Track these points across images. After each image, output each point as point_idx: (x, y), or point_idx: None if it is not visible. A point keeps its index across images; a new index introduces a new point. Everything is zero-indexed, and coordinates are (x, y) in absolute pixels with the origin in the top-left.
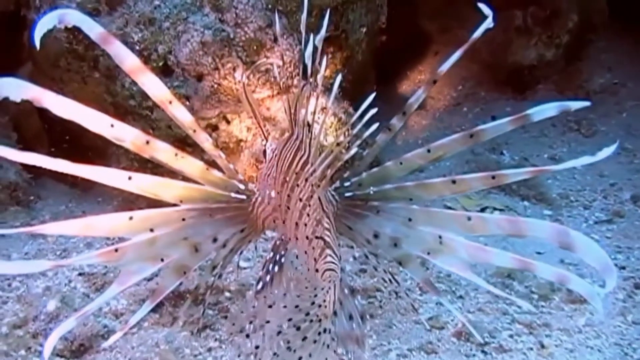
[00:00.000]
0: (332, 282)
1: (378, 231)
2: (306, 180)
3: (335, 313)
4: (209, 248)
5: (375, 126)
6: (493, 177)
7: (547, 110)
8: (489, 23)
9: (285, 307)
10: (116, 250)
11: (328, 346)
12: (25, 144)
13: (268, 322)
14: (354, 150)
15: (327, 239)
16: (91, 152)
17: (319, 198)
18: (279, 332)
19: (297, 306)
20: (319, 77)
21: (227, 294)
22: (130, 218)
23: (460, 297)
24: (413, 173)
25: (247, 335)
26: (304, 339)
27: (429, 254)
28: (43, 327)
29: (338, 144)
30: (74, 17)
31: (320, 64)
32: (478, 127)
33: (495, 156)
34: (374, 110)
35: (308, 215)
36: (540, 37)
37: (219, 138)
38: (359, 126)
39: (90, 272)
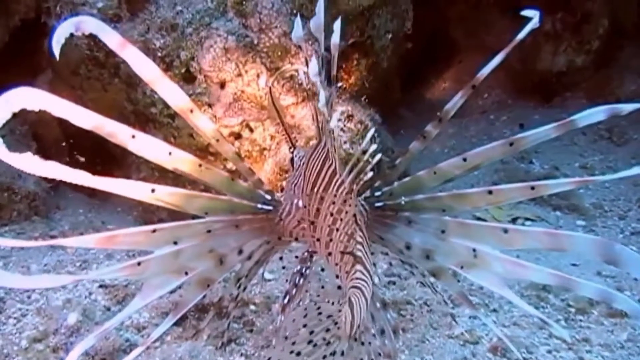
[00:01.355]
0: (355, 302)
1: (409, 242)
2: (336, 191)
3: (355, 339)
4: (234, 260)
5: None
6: (532, 188)
7: (595, 114)
8: (535, 23)
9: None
10: (139, 263)
11: None
12: (44, 153)
13: (286, 337)
14: (377, 157)
15: (359, 253)
16: (111, 162)
17: (350, 210)
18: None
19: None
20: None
21: (252, 307)
22: (154, 231)
23: (494, 310)
24: (446, 183)
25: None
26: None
27: (462, 267)
28: (64, 341)
29: (364, 152)
30: (91, 25)
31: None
32: (519, 135)
33: (524, 165)
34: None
35: (338, 230)
36: (570, 43)
37: (242, 146)
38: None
39: (112, 284)
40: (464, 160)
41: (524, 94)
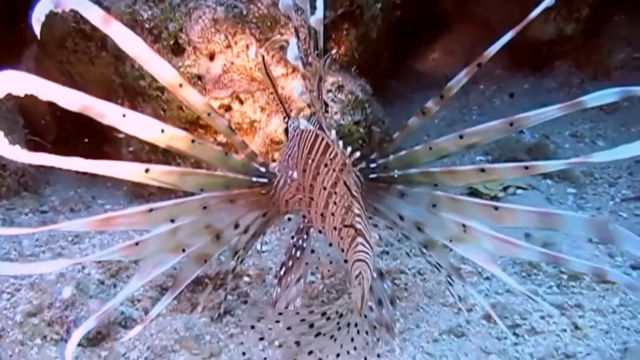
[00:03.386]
0: (362, 275)
1: (402, 214)
2: (330, 163)
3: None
4: (230, 234)
5: None
6: (526, 168)
7: (606, 96)
8: (550, 2)
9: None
10: (137, 243)
11: (352, 339)
12: (32, 128)
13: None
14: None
15: (359, 226)
16: (100, 135)
17: (346, 182)
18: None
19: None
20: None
21: (247, 279)
22: (150, 210)
23: (487, 278)
24: (441, 159)
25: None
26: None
27: (451, 241)
28: (58, 315)
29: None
30: (70, 1)
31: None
32: (520, 115)
33: (514, 134)
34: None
35: (335, 203)
36: (559, 11)
37: (232, 119)
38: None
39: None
40: (461, 137)
41: (514, 63)
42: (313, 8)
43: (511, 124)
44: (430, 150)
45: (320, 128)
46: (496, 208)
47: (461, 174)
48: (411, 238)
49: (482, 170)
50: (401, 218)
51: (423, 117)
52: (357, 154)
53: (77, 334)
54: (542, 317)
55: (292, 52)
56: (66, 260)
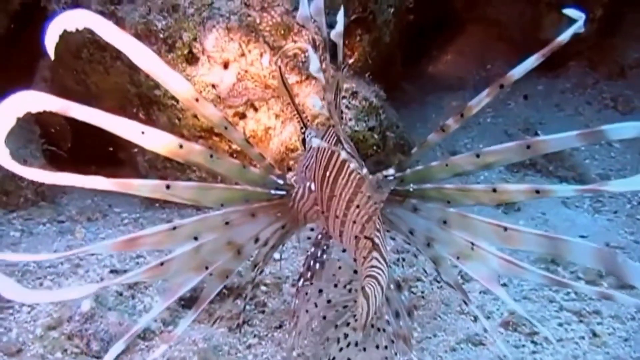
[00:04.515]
0: (370, 293)
1: (413, 228)
2: (348, 175)
3: (372, 325)
4: (251, 249)
5: None
6: (537, 192)
7: (628, 129)
8: (578, 27)
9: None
10: (162, 264)
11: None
12: (48, 137)
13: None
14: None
15: (377, 240)
16: (115, 144)
17: (366, 194)
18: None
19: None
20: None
21: (264, 288)
22: (174, 228)
23: (504, 284)
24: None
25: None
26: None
27: (458, 258)
28: (78, 328)
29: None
30: (84, 20)
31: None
32: (538, 138)
33: (529, 137)
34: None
35: (353, 214)
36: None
37: (247, 126)
38: None
39: (122, 269)
40: (477, 156)
41: None
42: (329, 22)
43: (528, 147)
44: (447, 167)
45: (338, 141)
46: (505, 229)
47: (473, 193)
48: (421, 253)
49: (494, 190)
50: (412, 232)
51: (442, 134)
52: (391, 171)
53: (109, 357)
54: (560, 324)
55: (315, 65)
56: (93, 285)
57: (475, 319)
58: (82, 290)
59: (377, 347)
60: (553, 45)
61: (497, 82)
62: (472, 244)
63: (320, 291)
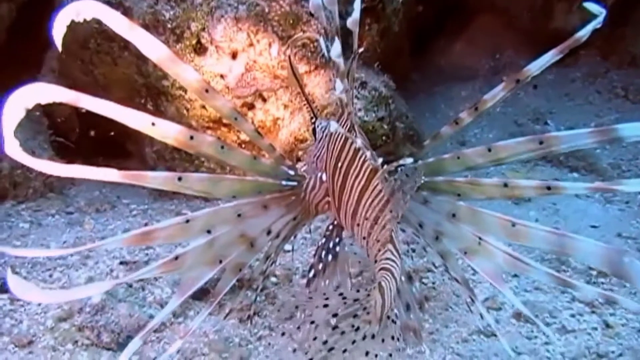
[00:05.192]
0: (385, 286)
1: (423, 221)
2: (361, 166)
3: (388, 317)
4: (264, 241)
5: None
6: (548, 188)
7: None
8: (598, 22)
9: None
10: (176, 258)
11: (367, 353)
12: (56, 129)
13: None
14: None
15: (390, 232)
16: (123, 135)
17: (379, 185)
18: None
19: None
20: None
21: (274, 279)
22: (187, 221)
23: (515, 275)
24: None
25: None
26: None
27: (465, 253)
28: (89, 320)
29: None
30: (92, 10)
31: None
32: (551, 133)
33: (539, 127)
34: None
35: (365, 206)
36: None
37: (255, 117)
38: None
39: (132, 261)
40: (489, 150)
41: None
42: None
43: (541, 142)
44: (458, 160)
45: (352, 128)
46: (513, 224)
47: (484, 187)
48: (430, 246)
49: (505, 185)
50: (421, 225)
51: (456, 127)
52: (409, 160)
53: (123, 357)
54: (572, 316)
55: (336, 50)
56: (108, 282)
57: (481, 316)
58: (97, 287)
59: (392, 338)
60: (571, 41)
61: (513, 76)
62: (480, 238)
63: (337, 287)
